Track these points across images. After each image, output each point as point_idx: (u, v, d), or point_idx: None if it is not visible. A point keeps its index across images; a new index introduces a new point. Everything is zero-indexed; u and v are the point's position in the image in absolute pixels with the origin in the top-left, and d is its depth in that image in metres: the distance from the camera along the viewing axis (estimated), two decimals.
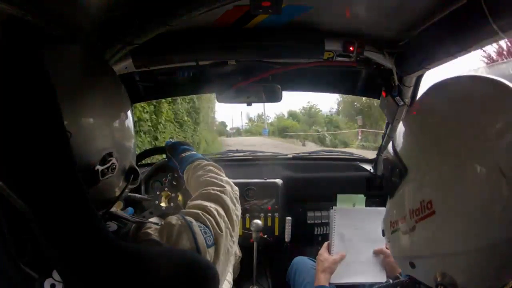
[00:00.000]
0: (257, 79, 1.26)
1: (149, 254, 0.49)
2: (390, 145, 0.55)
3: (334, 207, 1.19)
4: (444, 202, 0.42)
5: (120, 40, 0.77)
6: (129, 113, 0.64)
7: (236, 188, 0.81)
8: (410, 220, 0.47)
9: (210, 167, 0.85)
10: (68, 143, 0.42)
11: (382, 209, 1.16)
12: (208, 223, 0.63)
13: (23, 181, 0.39)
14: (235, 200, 0.75)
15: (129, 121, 0.63)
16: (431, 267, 0.46)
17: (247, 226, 1.38)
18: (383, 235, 0.59)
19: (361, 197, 1.30)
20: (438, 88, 0.53)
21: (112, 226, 0.58)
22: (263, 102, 1.38)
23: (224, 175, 0.84)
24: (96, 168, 0.53)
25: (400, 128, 0.56)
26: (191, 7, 0.66)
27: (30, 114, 0.39)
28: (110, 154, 0.55)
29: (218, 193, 0.72)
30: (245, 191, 1.42)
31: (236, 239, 0.70)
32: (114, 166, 0.56)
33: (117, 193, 0.62)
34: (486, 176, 0.39)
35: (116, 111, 0.60)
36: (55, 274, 0.46)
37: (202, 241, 0.58)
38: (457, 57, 0.79)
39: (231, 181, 0.81)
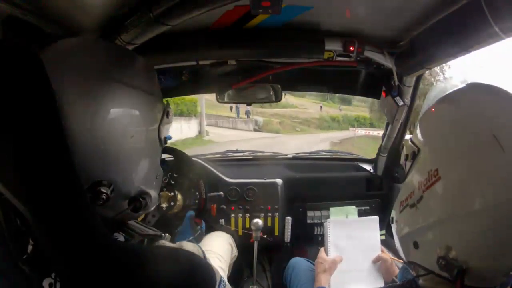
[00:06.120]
0: (257, 79, 1.26)
1: (153, 253, 0.50)
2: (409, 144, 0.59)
3: (328, 220, 1.19)
4: (449, 167, 0.46)
5: (119, 40, 0.77)
6: (149, 128, 0.53)
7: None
8: (418, 191, 0.50)
9: None
10: (67, 150, 0.41)
11: (375, 217, 1.19)
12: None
13: (21, 186, 0.39)
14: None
15: (148, 138, 0.52)
16: (434, 241, 0.48)
17: (247, 226, 1.38)
18: (392, 222, 0.61)
19: (353, 208, 1.36)
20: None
21: (119, 238, 0.54)
22: (263, 102, 1.38)
23: None
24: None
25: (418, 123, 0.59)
26: (191, 7, 0.66)
27: (27, 118, 0.38)
28: (99, 183, 0.46)
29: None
30: (245, 191, 1.42)
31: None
32: (105, 197, 0.46)
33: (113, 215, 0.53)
34: (483, 143, 0.43)
35: (131, 126, 0.49)
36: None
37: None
38: (457, 57, 0.79)
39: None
